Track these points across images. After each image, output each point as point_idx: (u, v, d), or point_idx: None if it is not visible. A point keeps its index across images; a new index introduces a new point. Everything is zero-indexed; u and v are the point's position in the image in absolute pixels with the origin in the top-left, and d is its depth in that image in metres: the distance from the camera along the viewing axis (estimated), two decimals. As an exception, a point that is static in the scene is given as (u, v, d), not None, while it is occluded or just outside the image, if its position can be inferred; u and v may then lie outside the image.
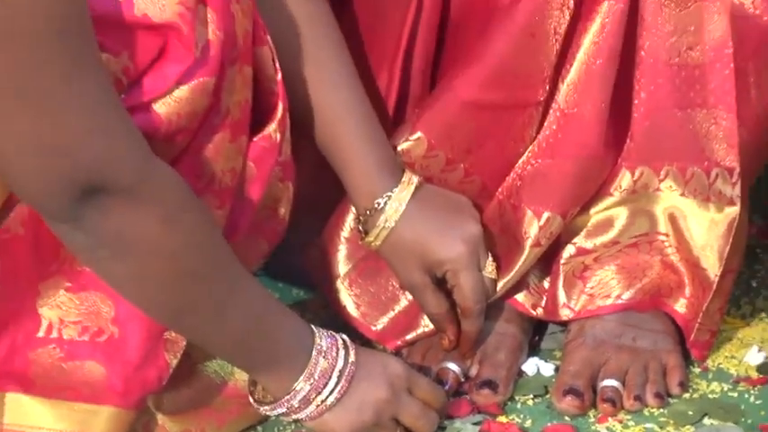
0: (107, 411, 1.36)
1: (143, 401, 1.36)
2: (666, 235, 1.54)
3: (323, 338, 1.38)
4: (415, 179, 1.47)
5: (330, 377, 1.38)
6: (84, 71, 1.18)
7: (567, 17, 1.46)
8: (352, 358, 1.39)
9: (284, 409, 1.38)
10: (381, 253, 1.49)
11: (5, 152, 1.18)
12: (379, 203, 1.46)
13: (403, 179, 1.47)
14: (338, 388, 1.38)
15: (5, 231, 1.32)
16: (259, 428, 1.50)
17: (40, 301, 1.34)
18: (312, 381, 1.37)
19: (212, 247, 1.33)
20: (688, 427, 1.45)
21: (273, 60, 1.38)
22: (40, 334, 1.34)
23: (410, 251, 1.47)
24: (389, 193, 1.46)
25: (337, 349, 1.39)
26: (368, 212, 1.46)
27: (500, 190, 1.51)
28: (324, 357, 1.38)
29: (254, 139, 1.37)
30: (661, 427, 1.45)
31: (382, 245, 1.47)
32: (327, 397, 1.37)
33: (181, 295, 1.33)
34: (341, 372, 1.38)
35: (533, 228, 1.51)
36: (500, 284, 1.51)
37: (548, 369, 1.52)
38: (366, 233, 1.46)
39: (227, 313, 1.35)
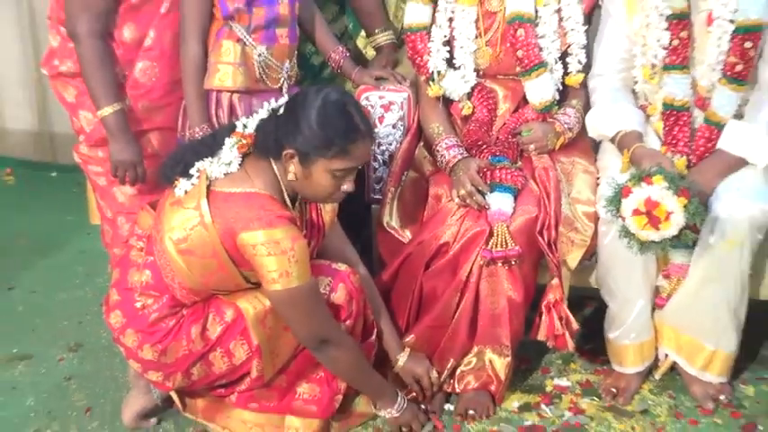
0: (317, 421, 2.90)
1: (328, 416, 2.93)
2: (490, 368, 3.00)
3: (399, 392, 2.90)
4: (408, 350, 2.99)
5: (401, 406, 2.90)
6: (322, 303, 2.74)
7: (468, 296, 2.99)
8: (405, 402, 2.89)
9: (385, 414, 2.88)
10: (400, 372, 3.00)
11: (296, 328, 2.70)
12: (397, 359, 3.00)
13: (405, 350, 3.00)
14: (400, 409, 2.88)
15: (290, 359, 2.89)
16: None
17: (296, 386, 2.93)
18: (396, 406, 2.89)
19: (362, 358, 2.82)
20: (501, 424, 2.98)
21: (373, 318, 2.99)
22: (296, 396, 2.91)
23: (408, 372, 3.00)
24: (401, 355, 3.00)
25: (402, 398, 2.90)
26: (394, 362, 3.00)
27: (435, 354, 3.02)
28: (400, 398, 2.88)
29: (365, 342, 2.93)
30: (488, 425, 2.99)
31: (400, 370, 3.01)
32: (397, 411, 2.88)
33: (354, 373, 2.82)
34: (401, 406, 2.90)
35: (450, 365, 3.03)
36: (441, 380, 3.02)
37: (451, 408, 3.04)
38: (393, 367, 2.99)
39: (368, 379, 2.84)
